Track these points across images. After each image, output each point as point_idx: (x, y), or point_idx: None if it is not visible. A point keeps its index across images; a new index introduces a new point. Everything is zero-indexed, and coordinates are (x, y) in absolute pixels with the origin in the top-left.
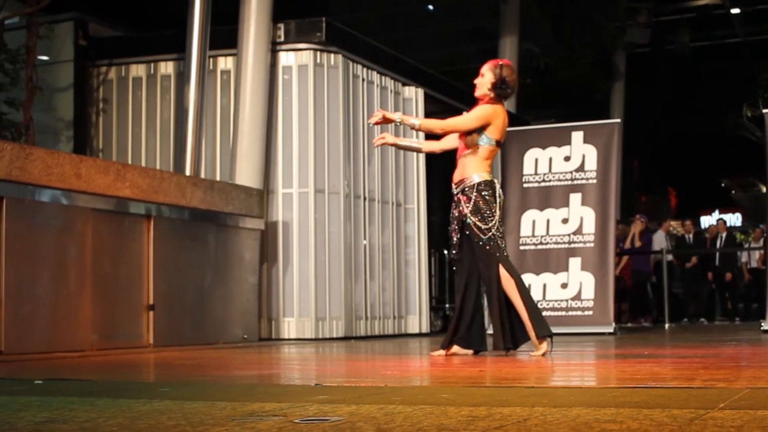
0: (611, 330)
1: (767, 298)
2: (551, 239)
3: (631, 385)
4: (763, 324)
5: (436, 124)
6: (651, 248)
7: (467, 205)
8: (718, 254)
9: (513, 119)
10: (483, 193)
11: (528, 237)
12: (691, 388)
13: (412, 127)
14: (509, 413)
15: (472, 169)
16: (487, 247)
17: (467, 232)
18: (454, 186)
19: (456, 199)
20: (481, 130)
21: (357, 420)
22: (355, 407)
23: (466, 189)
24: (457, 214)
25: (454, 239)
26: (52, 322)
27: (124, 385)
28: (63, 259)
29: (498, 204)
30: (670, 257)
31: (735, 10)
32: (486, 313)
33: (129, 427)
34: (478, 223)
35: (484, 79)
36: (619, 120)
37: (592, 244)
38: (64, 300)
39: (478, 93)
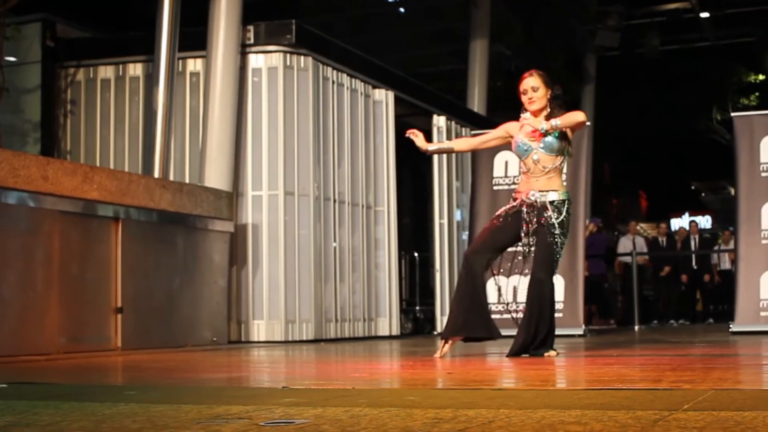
0: (581, 332)
1: (736, 300)
2: (521, 242)
3: (597, 386)
4: (732, 326)
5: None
6: (599, 251)
7: (555, 215)
8: (694, 256)
9: (483, 122)
10: (570, 211)
11: None
12: (656, 389)
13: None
14: (474, 415)
15: (560, 183)
16: (556, 258)
17: (545, 239)
18: (537, 192)
19: (535, 207)
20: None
21: (322, 423)
22: (321, 410)
23: (557, 202)
24: (535, 221)
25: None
26: (18, 325)
27: (90, 388)
28: (30, 262)
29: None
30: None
31: (704, 14)
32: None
33: (93, 431)
34: (561, 236)
35: (540, 92)
36: (588, 123)
37: (566, 241)
38: (31, 303)
39: (537, 106)
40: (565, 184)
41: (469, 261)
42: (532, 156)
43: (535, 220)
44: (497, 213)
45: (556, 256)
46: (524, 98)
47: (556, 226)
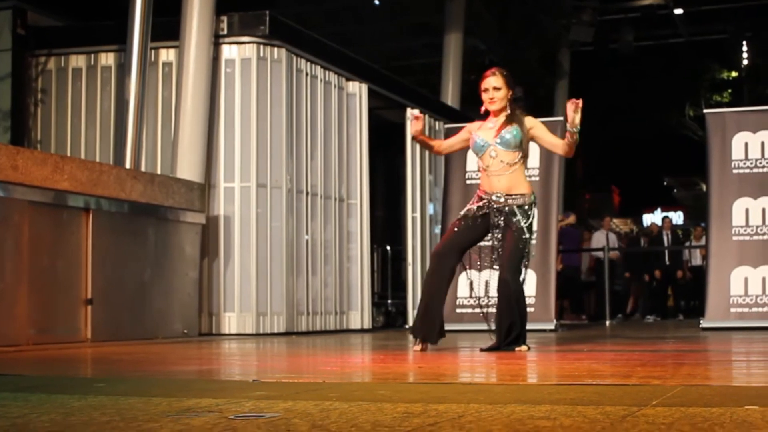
0: (552, 327)
1: (706, 296)
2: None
3: (567, 382)
4: (702, 322)
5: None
6: (573, 245)
7: (524, 221)
8: (667, 252)
9: (457, 115)
10: (535, 209)
11: None
12: (626, 385)
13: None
14: (444, 410)
15: (525, 183)
16: (525, 261)
17: (514, 243)
18: (504, 195)
19: (502, 212)
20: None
21: (292, 416)
22: (292, 403)
23: (525, 205)
24: (503, 224)
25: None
26: None
27: (59, 380)
28: None
29: None
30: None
31: (678, 11)
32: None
33: (62, 423)
34: (530, 239)
35: (502, 93)
36: (562, 118)
37: (534, 242)
38: (0, 294)
39: (497, 107)
40: (529, 180)
41: (437, 261)
42: (489, 152)
43: (503, 223)
44: (463, 212)
45: (525, 258)
46: (485, 96)
47: (525, 230)
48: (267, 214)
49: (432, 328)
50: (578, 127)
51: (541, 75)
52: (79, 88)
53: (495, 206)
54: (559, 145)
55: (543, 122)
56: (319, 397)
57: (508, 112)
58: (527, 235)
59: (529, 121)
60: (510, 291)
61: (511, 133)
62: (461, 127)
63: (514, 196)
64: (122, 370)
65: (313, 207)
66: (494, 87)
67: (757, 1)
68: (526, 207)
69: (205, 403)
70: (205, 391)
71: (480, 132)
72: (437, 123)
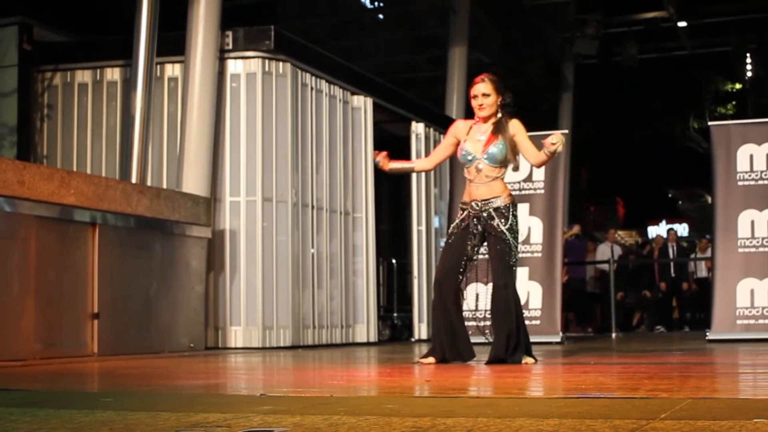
0: (558, 339)
1: (712, 308)
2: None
3: (575, 395)
4: (708, 334)
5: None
6: (578, 257)
7: (503, 222)
8: (672, 264)
9: None
10: (515, 214)
11: None
12: (634, 398)
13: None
14: (453, 424)
15: (502, 188)
16: (512, 262)
17: (497, 247)
18: (480, 202)
19: (482, 215)
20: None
21: (301, 431)
22: (300, 418)
23: (502, 207)
24: (481, 230)
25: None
26: None
27: (66, 395)
28: (5, 267)
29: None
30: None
31: (682, 23)
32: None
33: None
34: (512, 240)
35: (491, 99)
36: (567, 130)
37: (539, 254)
38: (7, 308)
39: (486, 113)
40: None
41: (438, 287)
42: (476, 165)
43: (481, 228)
44: (450, 230)
45: (512, 260)
46: (474, 103)
47: (505, 232)
48: (273, 228)
49: (463, 345)
50: (554, 154)
51: (546, 88)
52: (85, 103)
53: (473, 213)
54: (532, 155)
55: (545, 135)
56: (328, 412)
57: (497, 118)
58: (508, 237)
59: (513, 127)
60: (506, 296)
61: (497, 146)
62: None
63: (490, 200)
64: (129, 385)
65: (319, 221)
66: (483, 93)
67: (761, 13)
68: (503, 209)
69: (213, 418)
70: (213, 405)
71: (468, 144)
72: (441, 136)
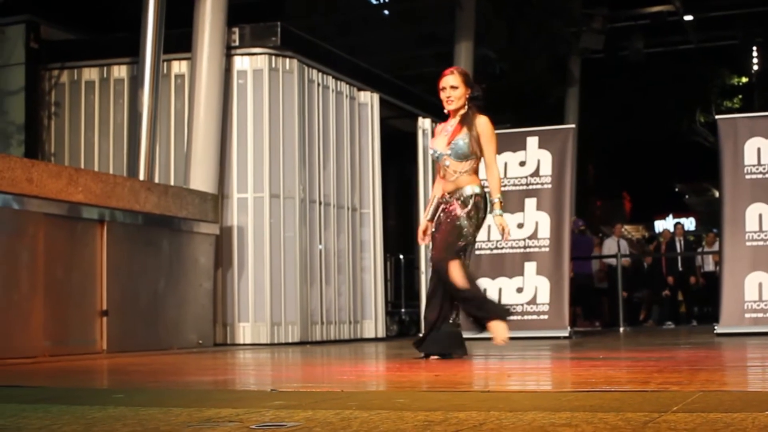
0: (566, 334)
1: (720, 302)
2: (506, 244)
3: (586, 388)
4: (716, 327)
5: (498, 180)
6: (585, 252)
7: (460, 207)
8: (680, 258)
9: None
10: (478, 203)
11: (484, 242)
12: (645, 391)
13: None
14: (465, 417)
15: (469, 179)
16: (458, 245)
17: (444, 226)
18: (448, 195)
19: (448, 206)
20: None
21: (313, 425)
22: (312, 412)
23: (462, 197)
24: (444, 217)
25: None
26: (3, 328)
27: (77, 391)
28: (14, 265)
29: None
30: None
31: (688, 17)
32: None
33: None
34: (466, 224)
35: (459, 92)
36: (573, 125)
37: (547, 249)
38: (16, 306)
39: (454, 106)
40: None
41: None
42: (444, 162)
43: (443, 216)
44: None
45: (462, 240)
46: (442, 95)
47: (461, 217)
48: (280, 224)
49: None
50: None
51: (552, 83)
52: (92, 100)
53: (441, 206)
54: (487, 168)
55: (552, 130)
56: (339, 406)
57: (465, 110)
58: (462, 221)
59: (480, 125)
60: (440, 272)
61: (462, 139)
62: None
63: (456, 193)
64: (139, 381)
65: (326, 216)
66: (451, 86)
67: (767, 7)
68: (463, 198)
69: (225, 413)
70: (224, 401)
71: (436, 141)
72: None
